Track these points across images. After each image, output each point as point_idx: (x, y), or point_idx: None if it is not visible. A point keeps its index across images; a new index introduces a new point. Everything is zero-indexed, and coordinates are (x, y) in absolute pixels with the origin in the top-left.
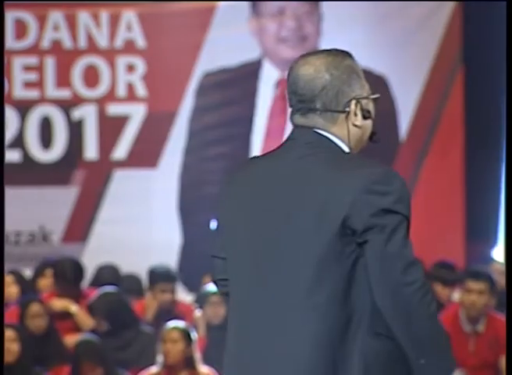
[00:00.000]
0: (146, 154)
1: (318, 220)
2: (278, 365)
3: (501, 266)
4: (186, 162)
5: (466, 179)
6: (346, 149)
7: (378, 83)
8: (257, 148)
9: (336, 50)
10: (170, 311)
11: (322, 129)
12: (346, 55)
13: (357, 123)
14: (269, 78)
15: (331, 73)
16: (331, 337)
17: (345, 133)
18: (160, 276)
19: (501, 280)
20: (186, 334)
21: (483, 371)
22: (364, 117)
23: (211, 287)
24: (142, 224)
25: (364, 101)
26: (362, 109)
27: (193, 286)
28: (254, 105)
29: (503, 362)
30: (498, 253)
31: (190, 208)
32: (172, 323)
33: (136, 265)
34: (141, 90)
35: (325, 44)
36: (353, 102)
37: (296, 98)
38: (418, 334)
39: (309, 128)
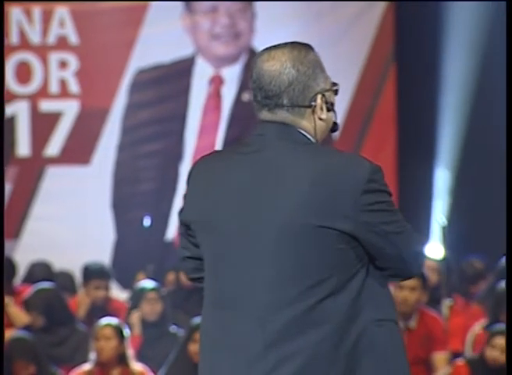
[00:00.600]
0: (79, 150)
1: (301, 214)
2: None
3: (433, 263)
4: (120, 158)
5: (398, 177)
6: (314, 142)
7: None
8: (190, 145)
9: (299, 43)
10: (103, 308)
11: (291, 124)
12: (309, 48)
13: (323, 116)
14: (203, 75)
15: (297, 69)
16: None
17: (312, 126)
18: (94, 273)
19: (433, 277)
20: (118, 331)
21: (415, 367)
22: (328, 109)
23: (146, 283)
24: (75, 221)
25: (327, 94)
26: (326, 102)
27: (127, 283)
28: (187, 102)
29: (434, 358)
30: (429, 250)
31: (124, 205)
32: (104, 320)
33: (69, 262)
34: (74, 86)
35: (258, 42)
36: (319, 96)
37: (262, 93)
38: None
39: (278, 123)
